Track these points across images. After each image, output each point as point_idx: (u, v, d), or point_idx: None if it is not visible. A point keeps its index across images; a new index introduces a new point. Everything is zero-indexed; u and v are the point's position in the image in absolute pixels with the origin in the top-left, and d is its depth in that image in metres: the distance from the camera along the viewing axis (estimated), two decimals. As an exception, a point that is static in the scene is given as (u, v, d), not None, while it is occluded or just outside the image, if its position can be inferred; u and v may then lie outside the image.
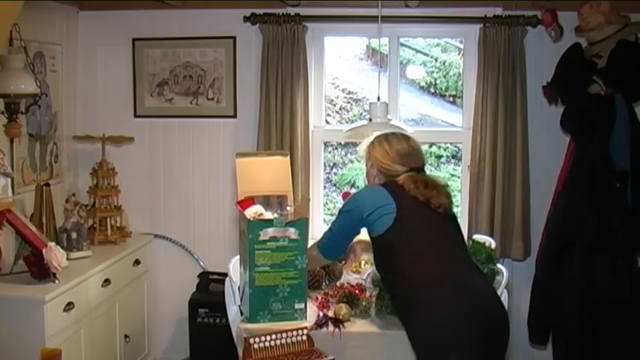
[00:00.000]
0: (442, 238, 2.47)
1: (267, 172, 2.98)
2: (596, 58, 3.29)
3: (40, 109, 3.50)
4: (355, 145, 5.05)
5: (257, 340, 2.38)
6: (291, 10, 3.72)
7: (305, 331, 2.46)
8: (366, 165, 2.73)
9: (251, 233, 2.55)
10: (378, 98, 3.30)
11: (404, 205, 2.44)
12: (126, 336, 3.64)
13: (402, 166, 2.58)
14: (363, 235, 2.64)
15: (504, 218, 3.66)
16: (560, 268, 3.30)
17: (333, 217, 2.73)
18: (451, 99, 5.15)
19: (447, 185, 2.59)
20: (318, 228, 3.91)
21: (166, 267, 4.07)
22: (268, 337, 2.40)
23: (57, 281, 2.99)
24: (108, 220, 3.75)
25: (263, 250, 2.57)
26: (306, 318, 2.65)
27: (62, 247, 3.14)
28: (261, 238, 2.56)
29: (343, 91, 5.43)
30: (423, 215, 2.47)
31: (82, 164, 3.97)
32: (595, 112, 3.25)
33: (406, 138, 2.68)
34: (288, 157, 3.08)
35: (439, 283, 2.30)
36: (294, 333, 2.44)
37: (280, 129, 3.74)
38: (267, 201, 2.98)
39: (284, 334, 2.43)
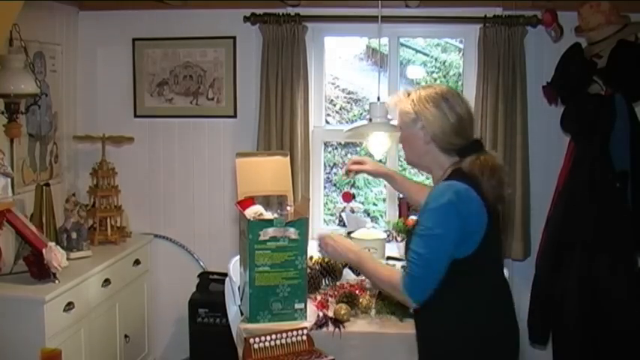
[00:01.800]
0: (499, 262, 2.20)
1: (267, 172, 2.99)
2: (596, 58, 3.29)
3: (40, 109, 3.50)
4: (355, 145, 5.05)
5: (257, 340, 2.38)
6: (291, 10, 3.72)
7: (305, 331, 2.46)
8: (408, 124, 2.11)
9: (251, 233, 2.56)
10: (378, 98, 3.30)
11: (491, 220, 2.01)
12: (126, 336, 3.64)
13: (461, 139, 2.07)
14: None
15: (504, 218, 3.65)
16: (560, 268, 3.30)
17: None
18: (451, 99, 5.15)
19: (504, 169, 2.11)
20: (318, 228, 3.91)
21: (166, 267, 4.07)
22: (268, 337, 2.40)
23: (57, 281, 2.98)
24: (108, 220, 3.74)
25: (263, 250, 2.57)
26: (306, 318, 2.65)
27: (62, 247, 3.14)
28: (261, 238, 2.56)
29: (343, 91, 5.44)
30: (498, 229, 2.09)
31: (82, 164, 3.97)
32: (595, 112, 3.25)
33: (461, 95, 2.12)
34: (288, 157, 3.08)
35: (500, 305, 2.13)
36: (294, 333, 2.44)
37: (280, 129, 3.74)
38: (267, 201, 2.98)
39: (284, 334, 2.43)
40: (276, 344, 2.41)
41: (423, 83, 4.88)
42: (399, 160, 3.96)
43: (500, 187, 2.04)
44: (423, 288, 2.00)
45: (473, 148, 2.09)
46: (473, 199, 1.98)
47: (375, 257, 2.14)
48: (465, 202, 1.98)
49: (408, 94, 2.13)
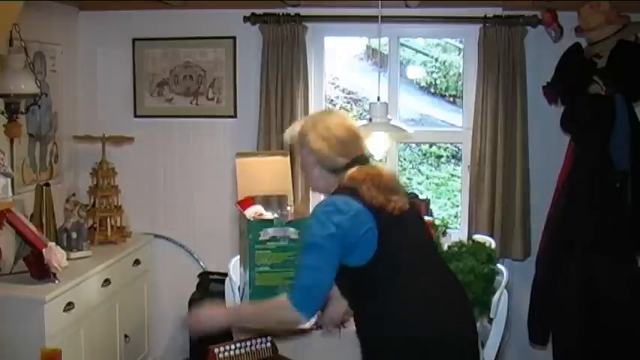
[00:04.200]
0: (421, 262, 2.11)
1: (267, 172, 2.98)
2: (596, 58, 3.29)
3: (40, 109, 3.49)
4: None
5: (222, 349, 2.36)
6: (291, 10, 3.72)
7: (269, 338, 2.42)
8: (299, 151, 2.24)
9: (251, 233, 2.55)
10: (378, 98, 3.31)
11: (383, 222, 2.02)
12: (126, 336, 3.63)
13: (344, 158, 2.12)
14: None
15: (504, 218, 3.66)
16: (560, 268, 3.30)
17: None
18: (451, 99, 5.16)
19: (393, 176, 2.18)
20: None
21: (166, 267, 4.06)
22: (233, 346, 2.37)
23: (57, 281, 2.98)
24: (108, 220, 3.74)
25: (263, 250, 2.57)
26: (305, 318, 2.64)
27: (62, 247, 3.13)
28: (261, 238, 2.56)
29: (343, 91, 5.43)
30: (403, 233, 2.08)
31: (82, 164, 3.97)
32: (595, 112, 3.25)
33: (344, 120, 2.21)
34: (288, 157, 3.08)
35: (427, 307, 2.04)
36: (259, 341, 2.40)
37: (280, 129, 3.73)
38: (267, 201, 2.98)
39: (248, 342, 2.39)
40: (240, 352, 2.38)
41: (423, 83, 4.89)
42: (399, 160, 3.96)
43: (385, 194, 2.05)
44: (311, 299, 2.03)
45: (357, 163, 2.13)
46: (352, 207, 2.01)
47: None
48: (342, 211, 2.01)
49: (300, 123, 2.25)
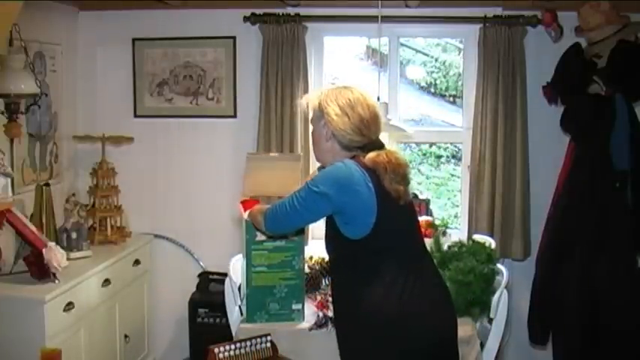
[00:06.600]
0: (411, 252, 2.19)
1: (277, 177, 2.96)
2: (596, 58, 3.29)
3: (40, 109, 3.50)
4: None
5: (222, 349, 2.37)
6: (291, 10, 3.72)
7: (269, 338, 2.43)
8: (315, 121, 2.23)
9: (248, 233, 2.56)
10: (378, 98, 3.31)
11: (384, 211, 2.09)
12: (126, 336, 3.64)
13: (361, 137, 2.15)
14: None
15: (504, 218, 3.66)
16: (561, 268, 3.30)
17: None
18: (451, 99, 5.15)
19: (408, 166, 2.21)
20: (317, 228, 3.91)
21: (166, 267, 4.06)
22: (233, 346, 2.37)
23: (57, 281, 2.98)
24: (108, 220, 3.74)
25: (260, 251, 2.58)
26: (303, 319, 2.65)
27: (62, 247, 3.14)
28: (258, 238, 2.56)
29: (343, 91, 5.42)
30: (400, 222, 2.17)
31: (82, 164, 3.97)
32: (595, 112, 3.25)
33: (366, 98, 2.20)
34: (300, 162, 3.05)
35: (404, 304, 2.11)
36: (258, 340, 2.41)
37: (280, 129, 3.74)
38: (268, 201, 2.98)
39: (248, 342, 2.40)
40: (240, 352, 2.38)
41: (423, 83, 4.88)
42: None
43: (401, 182, 2.13)
44: (277, 224, 2.25)
45: (374, 147, 2.17)
46: (362, 182, 2.08)
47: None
48: (355, 182, 2.08)
49: (321, 92, 2.25)
